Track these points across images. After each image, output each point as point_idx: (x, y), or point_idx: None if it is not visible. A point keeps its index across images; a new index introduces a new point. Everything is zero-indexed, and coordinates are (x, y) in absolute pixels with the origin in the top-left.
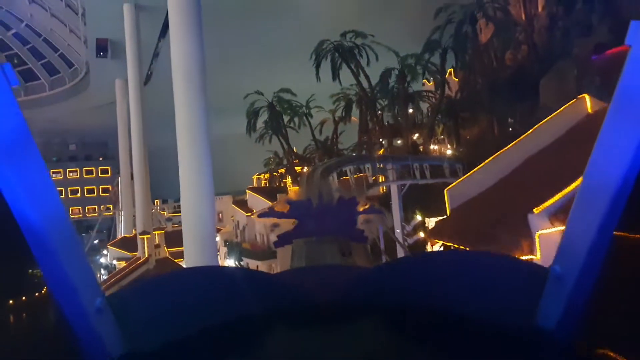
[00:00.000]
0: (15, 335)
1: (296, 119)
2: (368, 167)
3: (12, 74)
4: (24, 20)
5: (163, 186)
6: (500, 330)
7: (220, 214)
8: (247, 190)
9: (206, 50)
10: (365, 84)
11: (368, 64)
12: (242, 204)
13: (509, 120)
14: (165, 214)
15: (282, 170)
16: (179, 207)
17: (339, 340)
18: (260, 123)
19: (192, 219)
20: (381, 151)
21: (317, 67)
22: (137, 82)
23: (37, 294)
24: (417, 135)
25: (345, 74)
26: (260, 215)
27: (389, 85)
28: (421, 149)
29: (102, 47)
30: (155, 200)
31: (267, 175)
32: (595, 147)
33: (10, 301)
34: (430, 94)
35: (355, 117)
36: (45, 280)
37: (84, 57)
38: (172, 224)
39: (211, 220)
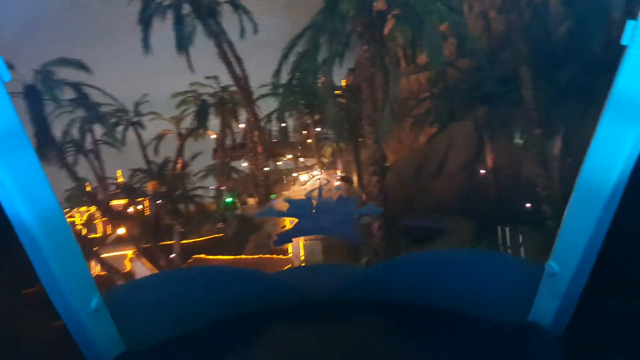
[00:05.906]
0: (8, 336)
1: (117, 131)
2: None
3: (4, 68)
4: None
5: None
6: (495, 326)
7: None
8: None
9: None
10: (237, 70)
11: (242, 35)
12: None
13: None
14: None
15: (89, 209)
16: None
17: (337, 338)
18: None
19: None
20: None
21: (146, 28)
22: None
23: (30, 293)
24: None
25: (196, 55)
26: (259, 215)
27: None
28: None
29: None
30: None
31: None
32: (591, 145)
33: (3, 301)
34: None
35: (213, 131)
36: (38, 279)
37: None
38: None
39: None
